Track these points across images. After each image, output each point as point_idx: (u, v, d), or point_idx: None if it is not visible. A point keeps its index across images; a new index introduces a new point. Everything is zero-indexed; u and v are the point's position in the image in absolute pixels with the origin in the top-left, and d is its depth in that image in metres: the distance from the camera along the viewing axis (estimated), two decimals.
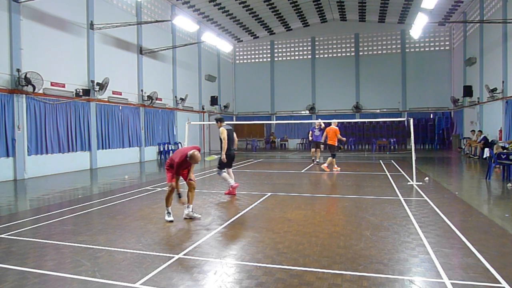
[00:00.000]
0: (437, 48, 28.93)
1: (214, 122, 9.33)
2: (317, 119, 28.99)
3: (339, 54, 31.00)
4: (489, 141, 17.77)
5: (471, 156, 18.86)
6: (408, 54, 29.30)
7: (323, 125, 15.74)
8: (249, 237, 5.48)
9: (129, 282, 3.88)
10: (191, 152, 6.26)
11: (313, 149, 16.68)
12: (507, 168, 11.04)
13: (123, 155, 18.02)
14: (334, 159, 14.05)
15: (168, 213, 6.52)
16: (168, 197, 6.51)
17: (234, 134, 9.31)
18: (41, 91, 13.25)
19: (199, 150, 6.46)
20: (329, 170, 13.60)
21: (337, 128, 14.10)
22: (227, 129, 8.85)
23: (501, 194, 9.20)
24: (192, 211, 6.63)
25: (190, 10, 23.64)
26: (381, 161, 17.50)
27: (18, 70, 12.48)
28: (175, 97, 22.84)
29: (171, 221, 6.40)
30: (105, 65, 16.66)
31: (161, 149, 21.07)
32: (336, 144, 14.22)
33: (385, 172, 13.25)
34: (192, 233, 5.80)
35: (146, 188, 10.31)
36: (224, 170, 9.02)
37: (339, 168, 13.97)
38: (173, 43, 22.64)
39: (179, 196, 6.37)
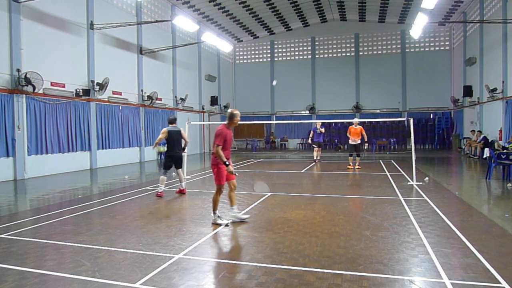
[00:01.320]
0: (437, 48, 28.92)
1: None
2: (317, 119, 29.09)
3: (339, 54, 30.99)
4: (489, 141, 17.77)
5: (471, 156, 18.84)
6: (408, 54, 29.29)
7: (322, 130, 16.44)
8: (249, 237, 5.48)
9: (129, 282, 3.88)
10: (230, 110, 6.30)
11: (315, 149, 17.26)
12: (507, 168, 11.04)
13: (123, 155, 18.01)
14: (350, 157, 14.55)
15: (219, 217, 6.18)
16: (216, 199, 6.15)
17: (185, 136, 9.58)
18: (41, 91, 13.25)
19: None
20: (359, 168, 14.09)
21: (352, 125, 14.32)
22: (169, 130, 9.18)
23: (501, 194, 9.20)
24: (239, 212, 6.45)
25: (190, 10, 23.64)
26: (381, 161, 17.50)
27: (18, 70, 12.49)
28: (175, 97, 22.83)
29: (227, 225, 6.05)
30: (105, 65, 16.65)
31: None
32: (352, 143, 14.35)
33: (385, 172, 13.25)
34: (192, 233, 5.80)
35: (146, 188, 10.32)
36: (164, 171, 9.26)
37: (350, 167, 14.17)
38: (173, 43, 22.63)
39: (226, 164, 5.91)
